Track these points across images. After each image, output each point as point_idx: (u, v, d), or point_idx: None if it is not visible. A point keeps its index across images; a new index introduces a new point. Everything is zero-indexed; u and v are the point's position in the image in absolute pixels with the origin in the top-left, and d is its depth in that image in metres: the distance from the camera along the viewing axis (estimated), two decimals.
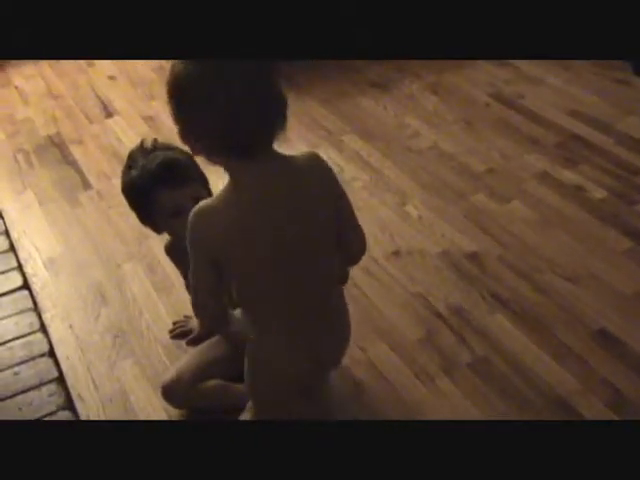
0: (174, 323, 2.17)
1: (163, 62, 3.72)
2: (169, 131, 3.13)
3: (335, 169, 1.45)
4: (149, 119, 3.25)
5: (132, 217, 1.89)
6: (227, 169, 1.32)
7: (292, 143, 2.89)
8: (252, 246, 1.33)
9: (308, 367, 1.49)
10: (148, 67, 3.69)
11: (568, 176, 2.60)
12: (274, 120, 1.27)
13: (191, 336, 2.08)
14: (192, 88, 1.24)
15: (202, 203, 1.33)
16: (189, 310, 2.19)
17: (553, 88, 3.12)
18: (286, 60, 1.67)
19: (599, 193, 2.50)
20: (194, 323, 2.09)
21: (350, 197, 1.47)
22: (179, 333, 2.12)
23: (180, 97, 1.27)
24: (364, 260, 1.99)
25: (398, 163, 2.76)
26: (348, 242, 1.48)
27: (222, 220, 1.30)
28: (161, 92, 3.77)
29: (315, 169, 1.38)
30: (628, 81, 3.13)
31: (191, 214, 1.32)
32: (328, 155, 2.75)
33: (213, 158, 1.32)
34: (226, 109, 1.22)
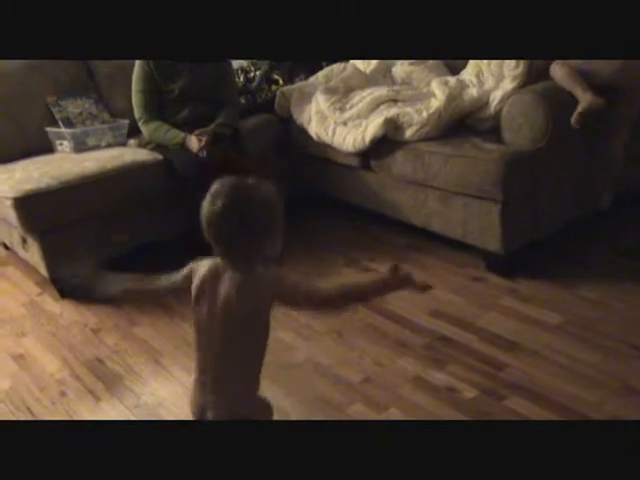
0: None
1: (34, 297, 3.71)
2: (40, 369, 3.06)
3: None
4: (19, 357, 3.18)
5: None
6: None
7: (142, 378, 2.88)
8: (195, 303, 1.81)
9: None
10: (18, 302, 3.66)
11: (439, 377, 2.70)
12: (236, 238, 1.67)
13: None
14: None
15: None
16: None
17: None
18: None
19: (470, 392, 2.60)
20: None
21: None
22: None
23: None
24: None
25: (276, 380, 2.78)
26: None
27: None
28: (32, 327, 3.65)
29: (260, 286, 1.74)
30: (483, 277, 3.36)
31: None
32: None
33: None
34: (206, 219, 1.66)
